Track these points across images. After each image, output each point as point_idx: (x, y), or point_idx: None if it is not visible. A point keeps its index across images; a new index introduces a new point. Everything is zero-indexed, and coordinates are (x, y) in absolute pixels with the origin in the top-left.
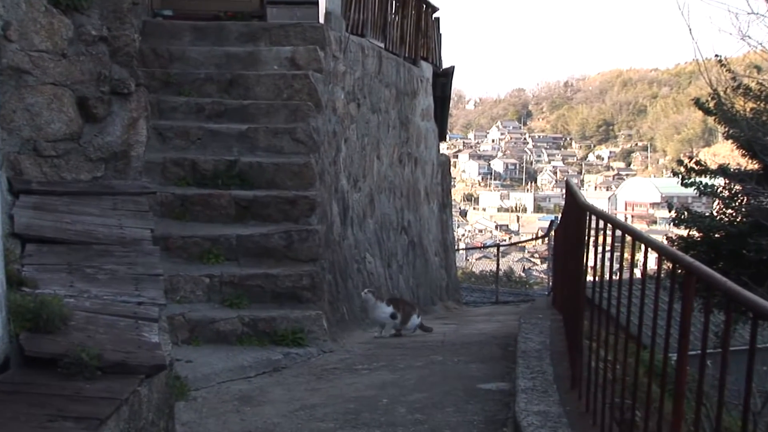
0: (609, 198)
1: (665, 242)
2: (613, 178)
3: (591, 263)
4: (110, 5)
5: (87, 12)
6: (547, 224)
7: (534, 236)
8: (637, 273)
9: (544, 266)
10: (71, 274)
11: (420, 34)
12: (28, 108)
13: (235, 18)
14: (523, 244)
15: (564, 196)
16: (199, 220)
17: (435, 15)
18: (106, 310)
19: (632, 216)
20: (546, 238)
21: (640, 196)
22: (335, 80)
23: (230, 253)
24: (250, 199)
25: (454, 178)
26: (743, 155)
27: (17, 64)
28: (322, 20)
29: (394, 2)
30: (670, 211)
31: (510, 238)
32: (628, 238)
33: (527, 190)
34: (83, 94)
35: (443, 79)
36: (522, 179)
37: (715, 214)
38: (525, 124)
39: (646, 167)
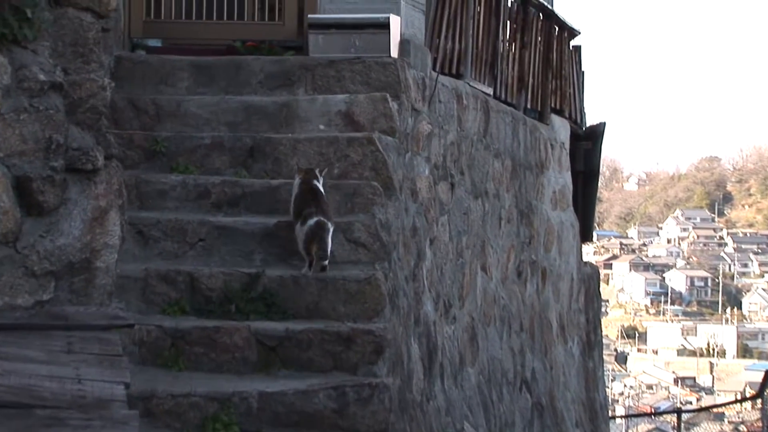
0: None
1: None
2: None
3: None
4: (68, 35)
5: (32, 46)
6: (759, 377)
7: (739, 397)
8: None
9: None
10: None
11: (550, 73)
12: None
13: (258, 50)
14: (720, 410)
15: None
16: (201, 369)
17: (574, 42)
18: None
19: None
20: (759, 400)
21: None
22: (416, 147)
23: (249, 420)
24: (280, 336)
25: (606, 300)
26: None
27: None
28: (394, 53)
29: (508, 23)
30: None
31: (699, 400)
32: None
33: (726, 322)
34: (24, 172)
35: (588, 143)
36: (717, 303)
37: None
38: (721, 214)
39: None
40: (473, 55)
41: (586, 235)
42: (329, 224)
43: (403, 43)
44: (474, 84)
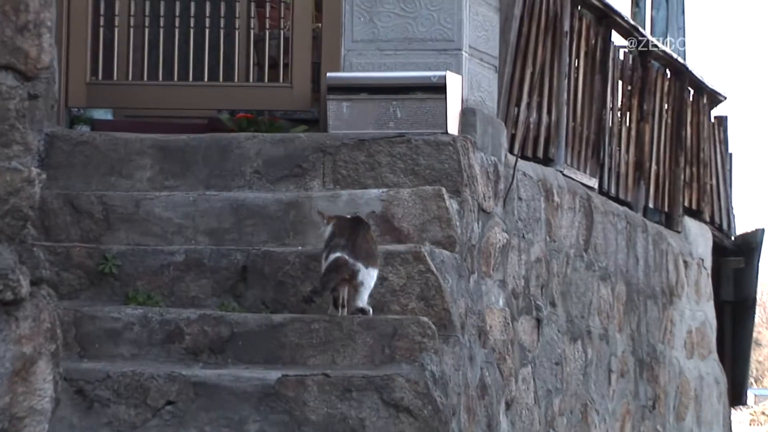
0: None
1: None
2: None
3: None
4: None
5: None
6: None
7: None
8: None
9: None
10: None
11: (683, 157)
12: None
13: (254, 125)
14: None
15: None
16: None
17: (717, 111)
18: None
19: None
20: None
21: None
22: (485, 266)
23: None
24: None
25: None
26: None
27: None
28: (453, 127)
29: (620, 83)
30: None
31: None
32: None
33: None
34: None
35: (738, 259)
36: None
37: None
38: None
39: None
40: (569, 131)
41: (737, 396)
42: (358, 264)
43: (467, 113)
44: (570, 173)
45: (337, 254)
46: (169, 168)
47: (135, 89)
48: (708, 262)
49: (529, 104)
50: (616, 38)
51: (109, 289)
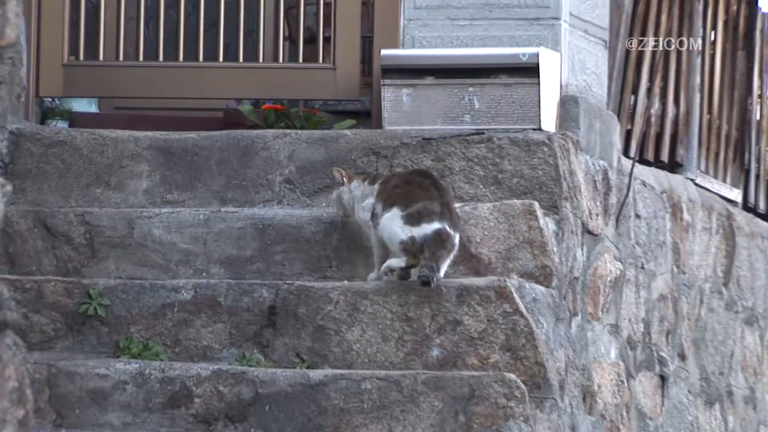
0: None
1: None
2: None
3: None
4: None
5: None
6: None
7: None
8: None
9: None
10: None
11: None
12: None
13: (285, 120)
14: None
15: None
16: None
17: None
18: None
19: None
20: None
21: None
22: (591, 305)
23: None
24: None
25: None
26: None
27: None
28: (549, 122)
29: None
30: None
31: None
32: None
33: None
34: None
35: None
36: None
37: None
38: None
39: None
40: (703, 127)
41: None
42: (454, 235)
43: (567, 103)
44: (705, 182)
45: (441, 226)
46: (173, 176)
47: (127, 73)
48: None
49: (649, 90)
50: (766, 3)
51: (93, 336)
